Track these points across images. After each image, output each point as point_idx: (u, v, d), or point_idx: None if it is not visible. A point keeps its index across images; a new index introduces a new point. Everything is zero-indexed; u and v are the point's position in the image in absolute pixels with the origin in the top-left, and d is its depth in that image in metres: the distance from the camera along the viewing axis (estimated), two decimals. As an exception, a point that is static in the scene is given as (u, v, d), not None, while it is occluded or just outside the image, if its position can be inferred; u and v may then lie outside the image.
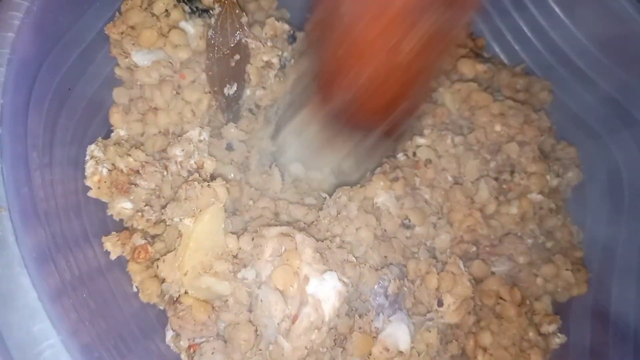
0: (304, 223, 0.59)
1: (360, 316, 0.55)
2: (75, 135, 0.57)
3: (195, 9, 0.64)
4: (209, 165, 0.59)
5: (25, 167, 0.46)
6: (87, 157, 0.58)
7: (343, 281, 0.53)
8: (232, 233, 0.55)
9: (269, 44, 0.67)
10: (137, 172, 0.58)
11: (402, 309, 0.57)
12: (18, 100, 0.46)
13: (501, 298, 0.63)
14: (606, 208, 0.71)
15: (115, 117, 0.62)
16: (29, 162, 0.47)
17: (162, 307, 0.57)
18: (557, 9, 0.73)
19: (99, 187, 0.58)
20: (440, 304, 0.58)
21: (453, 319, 0.58)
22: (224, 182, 0.55)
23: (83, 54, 0.58)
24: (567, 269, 0.67)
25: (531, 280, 0.66)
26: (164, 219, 0.56)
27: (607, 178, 0.72)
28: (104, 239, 0.56)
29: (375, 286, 0.56)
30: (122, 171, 0.58)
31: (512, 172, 0.68)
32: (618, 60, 0.69)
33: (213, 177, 0.58)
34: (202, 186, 0.53)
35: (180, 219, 0.53)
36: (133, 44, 0.61)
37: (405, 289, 0.58)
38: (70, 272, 0.48)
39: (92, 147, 0.59)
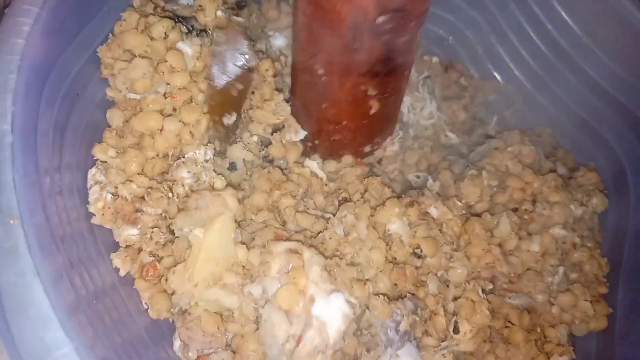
0: (311, 232, 0.58)
1: (367, 350, 0.53)
2: (82, 144, 0.57)
3: (191, 28, 0.62)
4: (219, 185, 0.57)
5: (38, 191, 0.46)
6: (90, 183, 0.57)
7: (350, 302, 0.51)
8: (242, 243, 0.54)
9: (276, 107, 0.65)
10: (142, 198, 0.57)
11: (412, 340, 0.55)
12: (29, 107, 0.46)
13: (509, 322, 0.61)
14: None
15: (110, 142, 0.58)
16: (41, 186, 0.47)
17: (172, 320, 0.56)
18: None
19: (102, 214, 0.56)
20: (456, 330, 0.56)
21: (469, 347, 0.57)
22: (234, 191, 0.54)
23: (92, 58, 0.58)
24: (585, 300, 0.63)
25: (546, 309, 0.63)
26: (173, 240, 0.55)
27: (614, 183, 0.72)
28: (112, 255, 0.56)
29: (387, 320, 0.54)
30: (126, 199, 0.57)
31: (534, 202, 0.66)
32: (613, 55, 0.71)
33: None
34: (212, 195, 0.53)
35: (190, 229, 0.52)
36: None
37: (417, 319, 0.56)
38: (85, 289, 0.48)
39: (93, 170, 0.57)
